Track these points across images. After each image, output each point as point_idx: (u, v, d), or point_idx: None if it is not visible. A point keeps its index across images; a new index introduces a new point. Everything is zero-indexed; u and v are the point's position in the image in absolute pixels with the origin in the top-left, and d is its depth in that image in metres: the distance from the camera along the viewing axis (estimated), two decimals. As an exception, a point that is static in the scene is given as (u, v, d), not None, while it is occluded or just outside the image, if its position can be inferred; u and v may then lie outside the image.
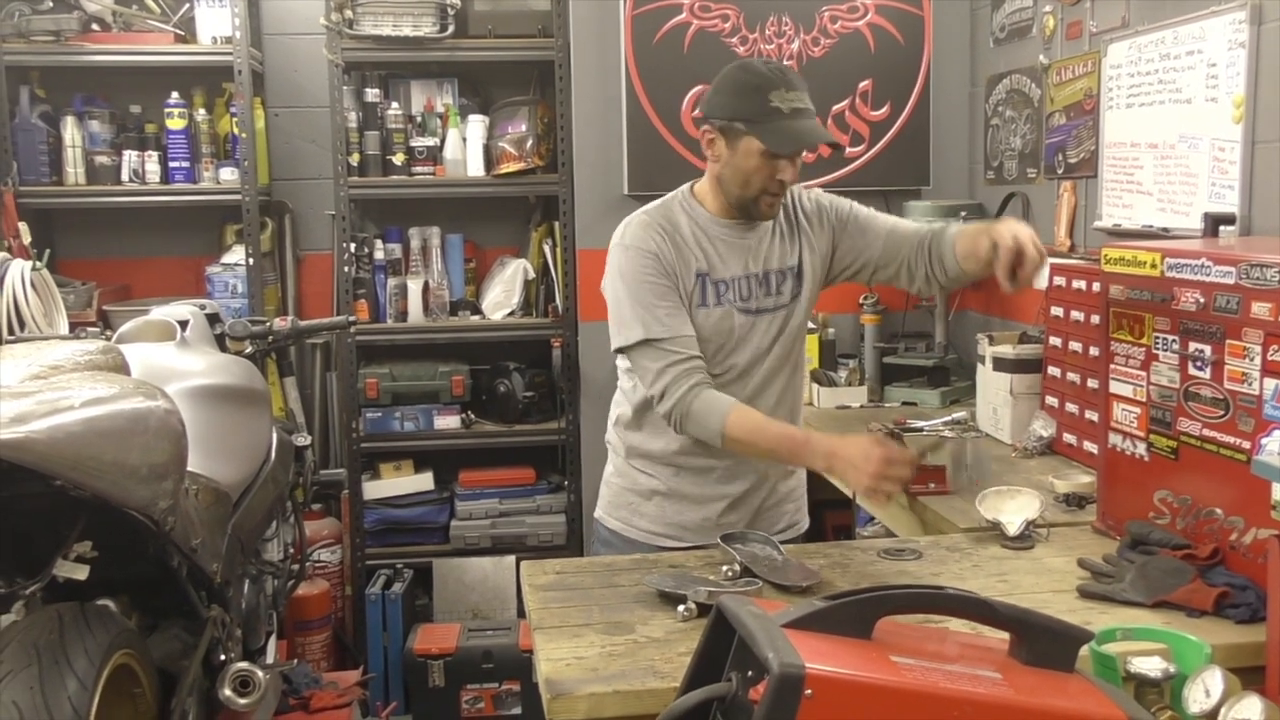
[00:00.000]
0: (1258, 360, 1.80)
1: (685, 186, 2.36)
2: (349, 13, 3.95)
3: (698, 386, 2.17)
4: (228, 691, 2.46)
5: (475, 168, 4.10)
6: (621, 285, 2.25)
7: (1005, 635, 1.29)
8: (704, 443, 2.22)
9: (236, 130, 4.01)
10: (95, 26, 3.96)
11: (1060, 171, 3.36)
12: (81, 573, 2.02)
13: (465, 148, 4.10)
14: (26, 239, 3.78)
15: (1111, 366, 2.17)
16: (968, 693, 1.16)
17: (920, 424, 3.13)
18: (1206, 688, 1.41)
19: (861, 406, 3.60)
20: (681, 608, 1.81)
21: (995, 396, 3.05)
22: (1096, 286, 2.57)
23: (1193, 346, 1.94)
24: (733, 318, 2.29)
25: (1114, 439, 2.17)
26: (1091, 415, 2.59)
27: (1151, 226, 2.88)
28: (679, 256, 2.25)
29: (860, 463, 2.02)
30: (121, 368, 2.33)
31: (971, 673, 1.20)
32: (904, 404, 3.60)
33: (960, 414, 3.22)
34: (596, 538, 2.51)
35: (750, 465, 2.33)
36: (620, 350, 2.28)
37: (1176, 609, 1.80)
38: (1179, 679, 1.45)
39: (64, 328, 3.52)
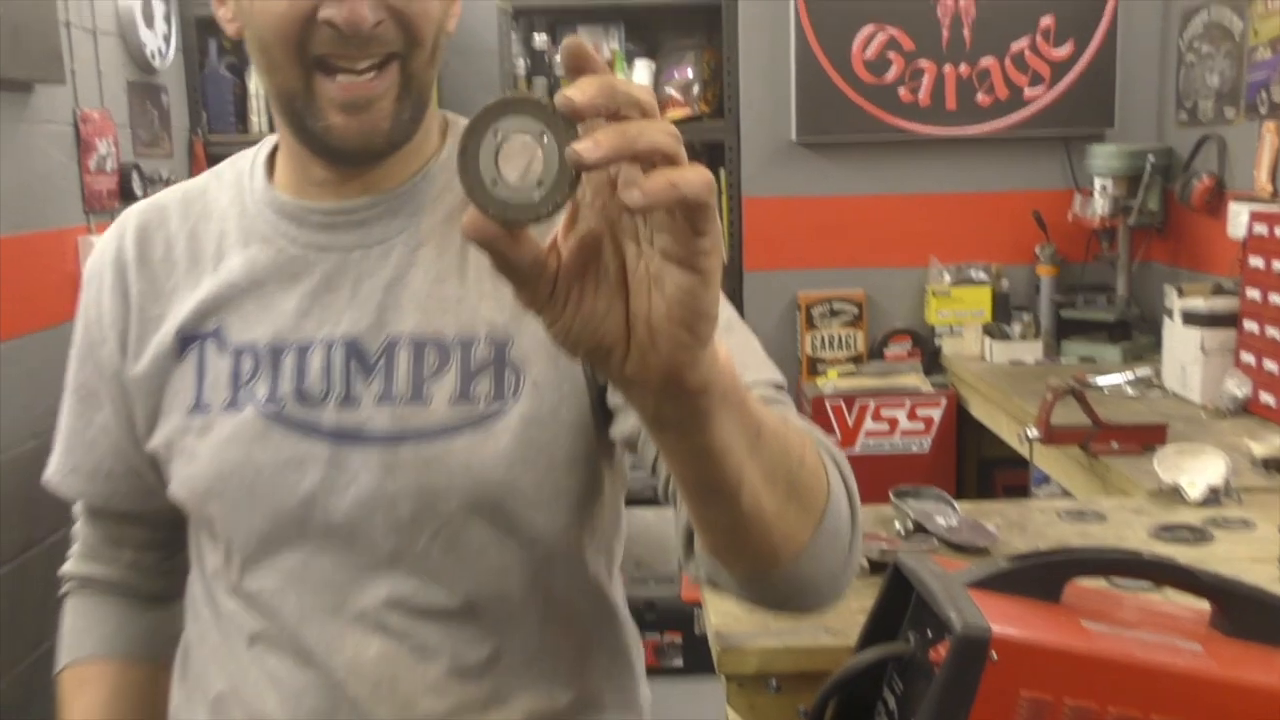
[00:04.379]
0: None
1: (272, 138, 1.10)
2: (517, -40, 3.97)
3: (89, 587, 1.17)
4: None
5: (641, 114, 4.09)
6: None
7: (1204, 605, 1.22)
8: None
9: (409, 79, 4.10)
10: (276, -20, 4.08)
11: (1264, 111, 3.13)
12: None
13: (631, 94, 4.09)
14: (215, 187, 3.97)
15: (1322, 322, 2.02)
16: (1167, 664, 1.10)
17: (1100, 381, 3.01)
18: None
19: (1036, 362, 3.48)
20: (852, 563, 1.78)
21: (1184, 353, 2.89)
22: (1304, 236, 2.40)
23: None
24: (268, 442, 0.96)
25: (1322, 400, 2.03)
26: (1294, 374, 2.44)
27: (1368, 171, 2.67)
28: (150, 291, 1.03)
29: None
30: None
31: (1170, 643, 1.13)
32: (1082, 360, 3.48)
33: (1143, 371, 3.07)
34: None
35: None
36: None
37: (1392, 584, 1.68)
38: (1398, 659, 1.34)
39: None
